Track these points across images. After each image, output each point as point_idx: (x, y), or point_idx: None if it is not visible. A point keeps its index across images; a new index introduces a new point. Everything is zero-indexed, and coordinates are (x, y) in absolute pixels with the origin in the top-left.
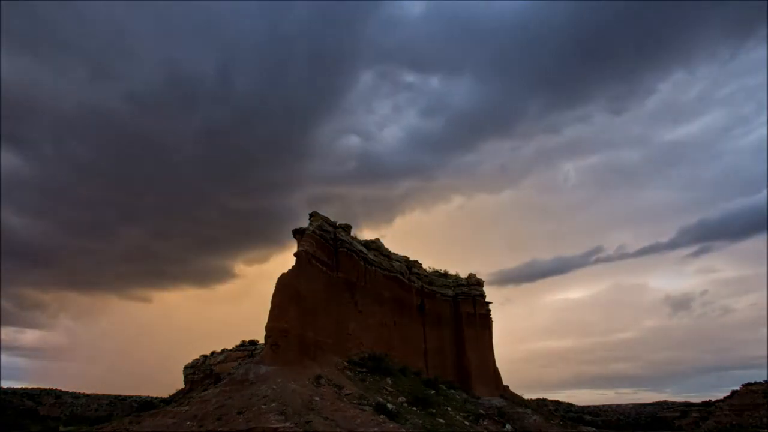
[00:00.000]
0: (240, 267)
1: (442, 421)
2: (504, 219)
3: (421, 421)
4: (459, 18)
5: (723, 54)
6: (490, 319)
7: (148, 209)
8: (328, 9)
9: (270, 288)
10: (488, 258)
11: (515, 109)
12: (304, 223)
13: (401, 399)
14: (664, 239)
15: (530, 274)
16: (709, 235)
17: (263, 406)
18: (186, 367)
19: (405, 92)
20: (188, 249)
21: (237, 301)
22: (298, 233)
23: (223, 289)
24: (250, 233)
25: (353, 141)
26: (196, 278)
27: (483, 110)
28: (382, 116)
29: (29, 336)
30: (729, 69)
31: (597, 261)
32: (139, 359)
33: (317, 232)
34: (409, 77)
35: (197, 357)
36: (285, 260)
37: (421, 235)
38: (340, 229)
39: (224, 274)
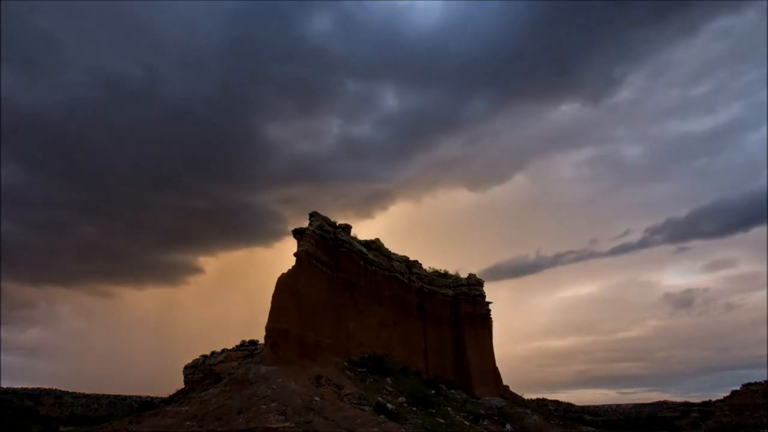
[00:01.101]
0: (205, 261)
1: (442, 421)
2: (479, 217)
3: (421, 421)
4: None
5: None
6: (490, 319)
7: (103, 208)
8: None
9: (241, 283)
10: (464, 256)
11: (468, 109)
12: (266, 219)
13: (401, 399)
14: (653, 236)
15: (517, 270)
16: (695, 232)
17: (263, 406)
18: (186, 367)
19: (361, 97)
20: (150, 246)
21: (218, 296)
22: (298, 233)
23: (196, 284)
24: (211, 230)
25: (315, 141)
26: (161, 274)
27: (433, 111)
28: (342, 114)
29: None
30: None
31: (568, 261)
32: (118, 356)
33: (317, 232)
34: (354, 83)
35: (197, 357)
36: (249, 255)
37: (401, 233)
38: (340, 229)
39: (191, 270)
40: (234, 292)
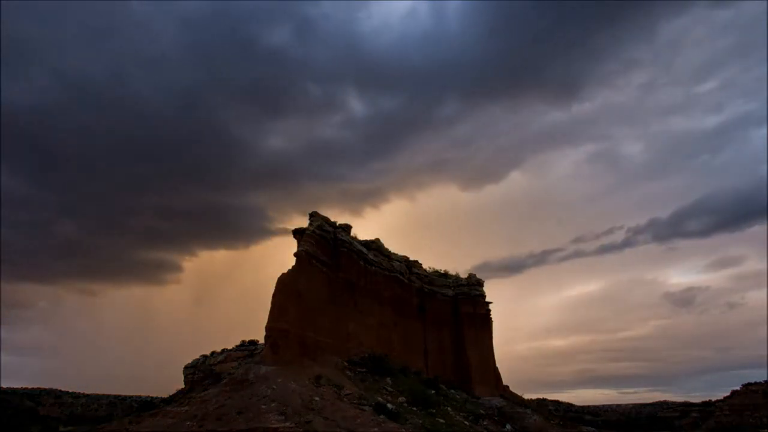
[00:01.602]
0: (185, 261)
1: (442, 421)
2: (470, 216)
3: (421, 421)
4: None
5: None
6: (490, 319)
7: (82, 206)
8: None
9: (225, 282)
10: (449, 254)
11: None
12: (245, 219)
13: (401, 399)
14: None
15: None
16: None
17: (263, 406)
18: (186, 367)
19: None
20: (130, 245)
21: (202, 294)
22: (298, 233)
23: (178, 282)
24: (191, 230)
25: (290, 142)
26: (142, 274)
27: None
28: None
29: None
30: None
31: (566, 258)
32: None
33: (317, 232)
34: (319, 86)
35: (197, 357)
36: (231, 255)
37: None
38: (340, 229)
39: (172, 269)
40: (220, 290)
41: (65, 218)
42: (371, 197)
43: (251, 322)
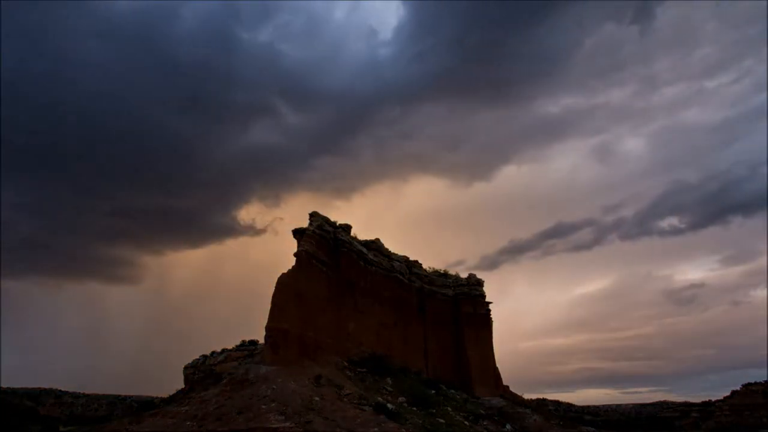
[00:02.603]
0: (150, 260)
1: (442, 421)
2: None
3: (421, 421)
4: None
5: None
6: (490, 318)
7: (41, 204)
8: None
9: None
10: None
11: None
12: (196, 219)
13: (401, 399)
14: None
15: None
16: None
17: (263, 406)
18: (186, 367)
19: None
20: (89, 244)
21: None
22: (298, 233)
23: (143, 281)
24: (160, 231)
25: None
26: (102, 272)
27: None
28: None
29: None
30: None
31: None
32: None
33: (317, 232)
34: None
35: (197, 357)
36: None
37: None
38: (340, 229)
39: (135, 267)
40: (190, 288)
41: (21, 217)
42: (335, 195)
43: (225, 318)
